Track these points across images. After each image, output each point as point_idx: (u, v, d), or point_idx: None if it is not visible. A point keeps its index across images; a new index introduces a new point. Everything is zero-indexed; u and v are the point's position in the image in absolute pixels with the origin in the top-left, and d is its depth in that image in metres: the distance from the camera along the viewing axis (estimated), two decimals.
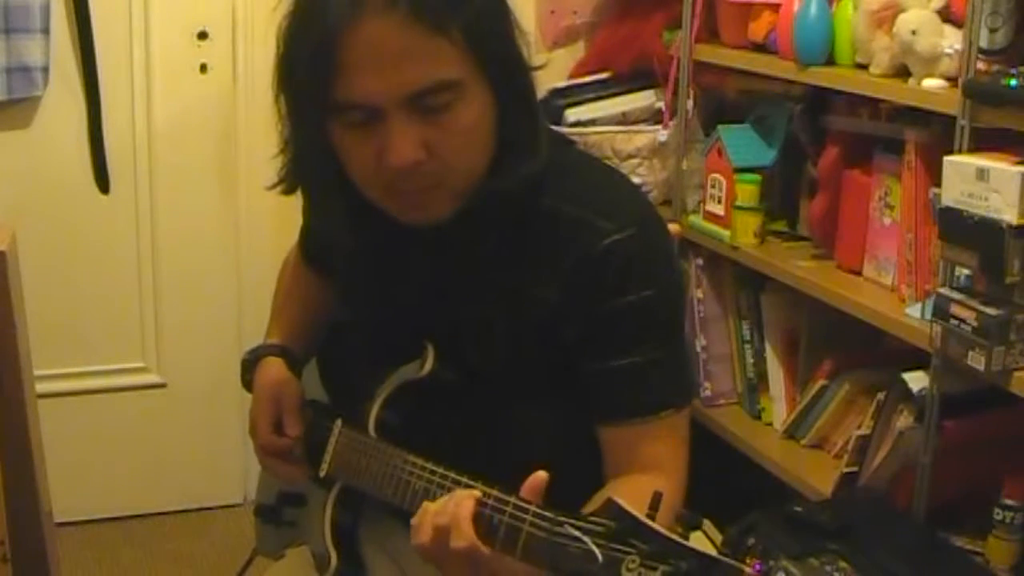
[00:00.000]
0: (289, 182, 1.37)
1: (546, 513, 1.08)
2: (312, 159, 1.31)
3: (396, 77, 1.20)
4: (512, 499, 1.11)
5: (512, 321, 1.34)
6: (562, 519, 1.06)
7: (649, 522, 1.00)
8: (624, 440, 1.33)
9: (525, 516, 1.10)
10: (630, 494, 1.06)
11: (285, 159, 1.35)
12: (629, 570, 0.98)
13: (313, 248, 1.64)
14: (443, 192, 1.27)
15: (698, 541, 1.00)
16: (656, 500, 1.03)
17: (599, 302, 1.30)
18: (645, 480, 1.27)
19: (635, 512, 1.01)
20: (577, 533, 1.03)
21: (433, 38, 1.20)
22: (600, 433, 1.35)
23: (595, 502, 1.17)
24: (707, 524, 1.03)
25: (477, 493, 1.13)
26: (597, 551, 1.01)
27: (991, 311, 1.65)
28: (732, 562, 0.96)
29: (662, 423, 1.33)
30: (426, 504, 1.17)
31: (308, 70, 1.22)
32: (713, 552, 0.97)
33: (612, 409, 1.33)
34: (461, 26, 1.21)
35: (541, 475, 1.12)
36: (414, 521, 1.16)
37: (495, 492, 1.13)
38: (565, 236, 1.31)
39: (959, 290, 1.73)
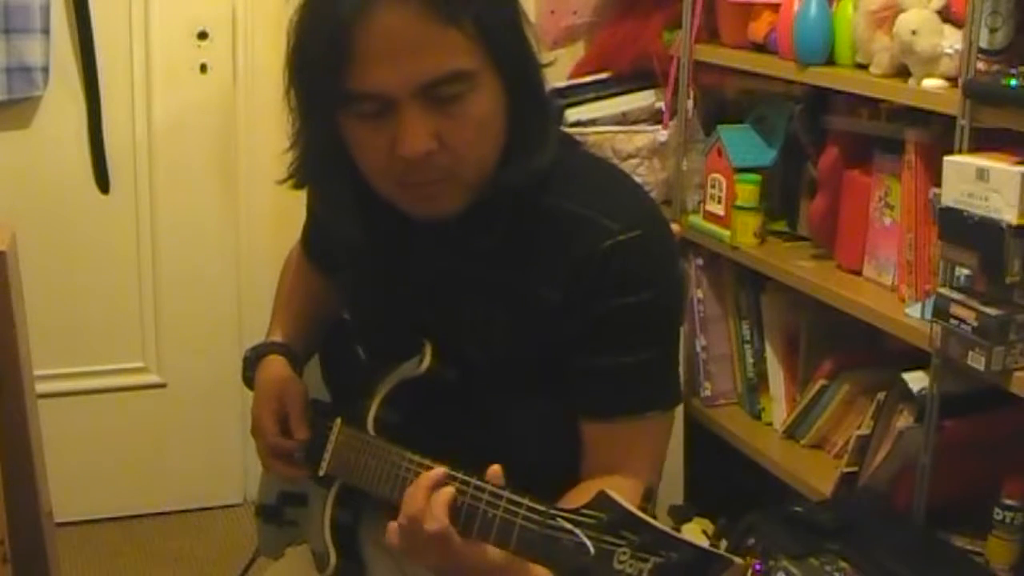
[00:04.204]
0: (299, 177, 1.37)
1: (538, 507, 1.09)
2: (322, 152, 1.31)
3: (409, 67, 1.20)
4: (506, 493, 1.12)
5: (513, 318, 1.34)
6: (554, 512, 1.07)
7: (640, 514, 1.00)
8: (606, 437, 1.33)
9: (518, 510, 1.10)
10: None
11: (295, 154, 1.35)
12: (621, 562, 0.99)
13: (316, 245, 1.64)
14: (454, 185, 1.27)
15: (692, 533, 1.00)
16: (649, 493, 1.04)
17: (599, 301, 1.29)
18: (619, 482, 1.27)
19: (627, 504, 1.01)
20: (569, 526, 1.04)
21: (446, 28, 1.20)
22: (583, 428, 1.35)
23: (570, 500, 1.18)
24: (703, 522, 1.03)
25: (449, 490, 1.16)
26: (589, 543, 1.01)
27: (991, 311, 1.65)
28: (723, 553, 0.97)
29: (647, 423, 1.33)
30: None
31: (321, 61, 1.22)
32: (705, 543, 0.97)
33: (600, 406, 1.33)
34: (473, 17, 1.21)
35: (496, 468, 1.15)
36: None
37: (489, 487, 1.14)
38: (569, 235, 1.30)
39: (959, 290, 1.73)
